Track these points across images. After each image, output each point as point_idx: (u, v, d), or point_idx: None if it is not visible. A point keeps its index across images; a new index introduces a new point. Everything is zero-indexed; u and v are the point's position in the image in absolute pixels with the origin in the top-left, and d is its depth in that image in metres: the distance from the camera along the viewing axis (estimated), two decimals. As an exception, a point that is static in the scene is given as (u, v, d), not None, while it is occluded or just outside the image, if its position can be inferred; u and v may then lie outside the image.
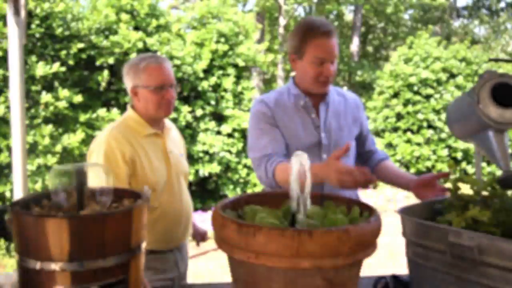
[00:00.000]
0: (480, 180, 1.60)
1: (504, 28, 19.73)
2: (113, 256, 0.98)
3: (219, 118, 6.38)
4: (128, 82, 1.83)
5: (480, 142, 1.50)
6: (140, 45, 5.51)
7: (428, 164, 8.54)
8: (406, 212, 1.37)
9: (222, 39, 6.33)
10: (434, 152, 8.47)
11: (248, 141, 1.89)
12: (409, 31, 17.15)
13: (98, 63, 5.35)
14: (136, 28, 5.82)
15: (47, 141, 4.82)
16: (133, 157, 1.72)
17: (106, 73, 5.32)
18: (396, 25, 18.29)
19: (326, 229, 0.96)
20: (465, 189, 1.43)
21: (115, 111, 5.26)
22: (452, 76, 8.91)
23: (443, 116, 8.34)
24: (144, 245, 1.08)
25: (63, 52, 5.19)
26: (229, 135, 6.31)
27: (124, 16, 5.55)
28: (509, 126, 1.42)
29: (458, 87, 8.68)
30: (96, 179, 1.25)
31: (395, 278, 1.47)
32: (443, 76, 8.74)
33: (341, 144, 1.86)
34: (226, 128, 6.22)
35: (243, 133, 6.49)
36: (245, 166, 6.52)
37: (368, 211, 1.17)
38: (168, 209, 1.81)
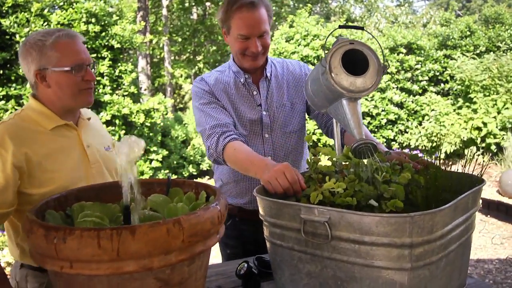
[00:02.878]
0: (338, 151, 1.59)
1: (376, 6, 21.23)
2: None
3: (97, 104, 5.91)
4: (29, 65, 1.44)
5: (335, 111, 1.46)
6: (-7, 27, 4.86)
7: (314, 138, 8.90)
8: (261, 192, 1.29)
9: (93, 19, 5.83)
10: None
11: (195, 117, 1.75)
12: (291, 11, 17.61)
13: None
14: (-12, 8, 5.11)
15: None
16: (22, 162, 1.37)
17: (-49, 60, 4.60)
18: (279, 5, 18.67)
19: (151, 223, 0.81)
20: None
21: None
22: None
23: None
24: None
25: None
26: (109, 123, 5.88)
27: (-29, -6, 4.83)
28: (361, 94, 1.39)
29: (336, 63, 9.08)
30: None
31: (259, 259, 1.39)
32: (323, 53, 9.09)
33: (285, 122, 1.78)
34: (104, 115, 5.79)
35: (125, 120, 6.10)
36: (130, 154, 6.13)
37: (214, 195, 1.06)
38: None
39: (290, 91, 1.81)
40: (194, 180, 1.25)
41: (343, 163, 1.37)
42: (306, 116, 1.90)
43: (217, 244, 1.95)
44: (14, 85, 5.04)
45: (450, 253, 1.07)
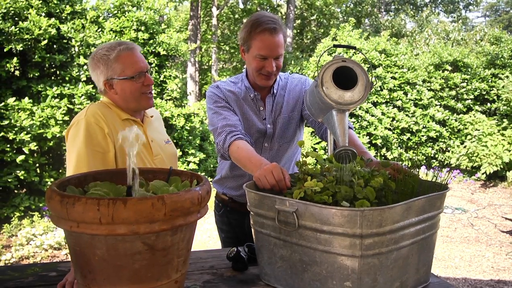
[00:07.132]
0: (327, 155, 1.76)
1: (427, 22, 20.88)
2: None
3: (141, 107, 6.30)
4: (98, 76, 1.71)
5: (327, 120, 1.64)
6: (52, 31, 5.32)
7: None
8: (252, 187, 1.49)
9: (143, 27, 6.25)
10: (356, 139, 8.86)
11: (208, 117, 1.96)
12: (339, 24, 17.71)
13: (6, 49, 5.11)
14: (49, 14, 5.61)
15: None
16: (110, 136, 1.61)
17: (15, 60, 5.09)
18: (328, 18, 18.79)
19: (140, 197, 1.03)
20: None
21: (26, 100, 5.06)
22: (373, 67, 9.35)
23: (364, 105, 8.76)
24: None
25: (-33, 38, 4.91)
26: (152, 125, 6.25)
27: (35, 1, 5.33)
28: (349, 107, 1.57)
29: (378, 77, 9.12)
30: None
31: (248, 246, 1.59)
32: (364, 67, 9.14)
33: (286, 134, 2.00)
34: (148, 117, 6.17)
35: (166, 122, 6.46)
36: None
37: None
38: None
39: (289, 105, 2.00)
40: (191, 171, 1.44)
41: (326, 166, 1.54)
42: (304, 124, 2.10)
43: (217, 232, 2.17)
44: (68, 85, 5.50)
45: (403, 248, 1.22)
